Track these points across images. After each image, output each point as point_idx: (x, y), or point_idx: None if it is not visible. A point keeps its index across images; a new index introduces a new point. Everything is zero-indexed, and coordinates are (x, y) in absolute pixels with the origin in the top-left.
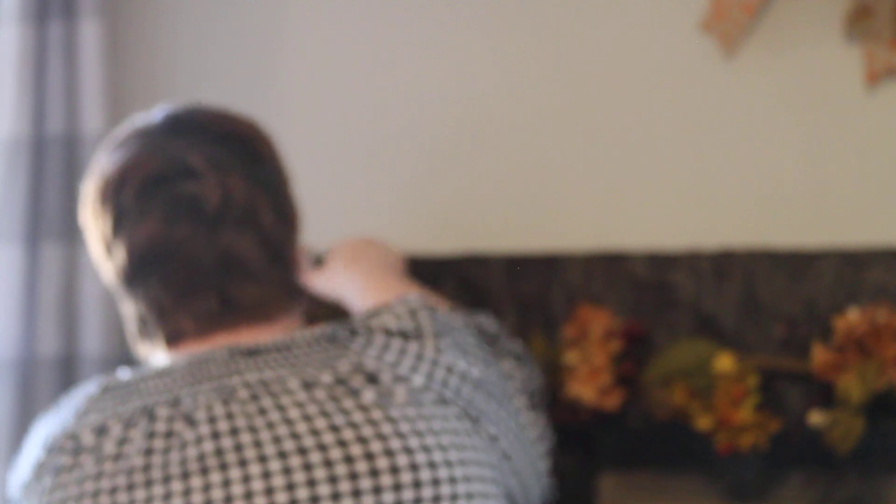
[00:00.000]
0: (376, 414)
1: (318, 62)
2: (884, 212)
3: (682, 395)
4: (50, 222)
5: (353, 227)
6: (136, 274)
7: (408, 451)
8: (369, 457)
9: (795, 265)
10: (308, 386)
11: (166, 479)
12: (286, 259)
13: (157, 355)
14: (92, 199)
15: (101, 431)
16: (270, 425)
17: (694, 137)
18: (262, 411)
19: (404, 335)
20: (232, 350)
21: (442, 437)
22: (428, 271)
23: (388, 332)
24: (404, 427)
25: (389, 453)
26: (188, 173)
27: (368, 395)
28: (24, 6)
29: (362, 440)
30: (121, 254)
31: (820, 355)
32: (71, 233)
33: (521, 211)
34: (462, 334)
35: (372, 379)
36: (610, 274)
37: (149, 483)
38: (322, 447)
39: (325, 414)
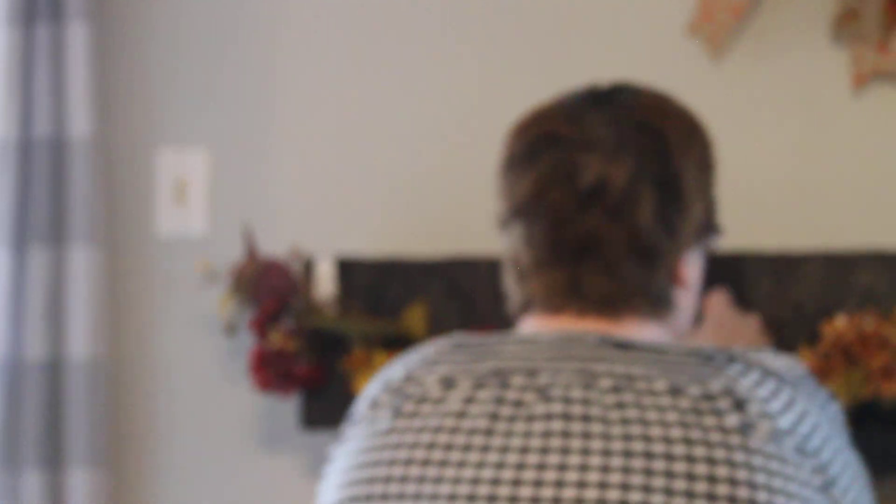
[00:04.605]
0: (735, 439)
1: (312, 63)
2: (871, 214)
3: None
4: (37, 225)
5: (344, 229)
6: (509, 222)
7: (752, 485)
8: (711, 480)
9: (782, 268)
10: (675, 392)
11: (504, 449)
12: (660, 265)
13: (522, 324)
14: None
15: (448, 384)
16: (625, 421)
17: None
18: (621, 405)
19: (781, 378)
20: (603, 339)
21: (790, 485)
22: (415, 274)
23: (766, 371)
24: (757, 461)
25: (733, 482)
26: (582, 144)
27: (732, 420)
28: (11, 8)
29: (711, 461)
30: (501, 197)
31: (806, 361)
32: (58, 235)
33: None
34: (833, 416)
35: (740, 405)
36: None
37: (485, 448)
38: (669, 457)
39: (683, 425)
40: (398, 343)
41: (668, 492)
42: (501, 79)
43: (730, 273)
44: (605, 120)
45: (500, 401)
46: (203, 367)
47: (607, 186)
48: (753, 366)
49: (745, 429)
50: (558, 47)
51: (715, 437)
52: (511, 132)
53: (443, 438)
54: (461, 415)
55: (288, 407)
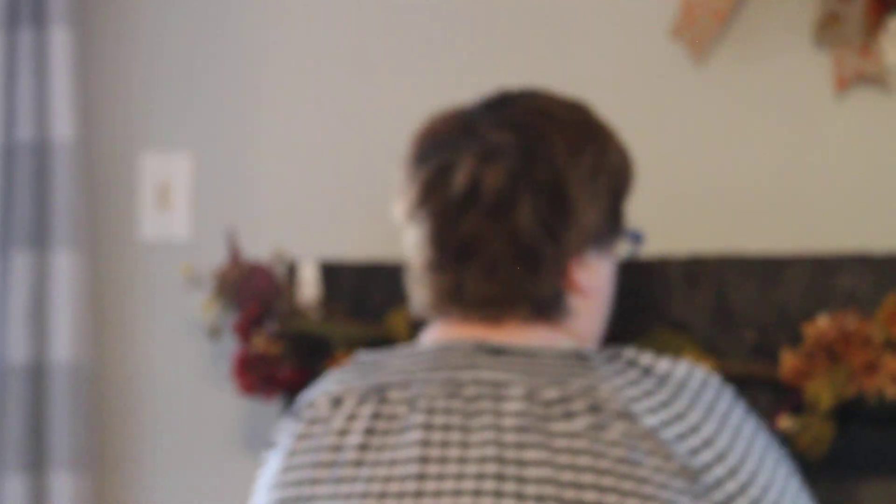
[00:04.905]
0: (580, 444)
1: (295, 66)
2: (854, 217)
3: None
4: (20, 229)
5: (327, 232)
6: (405, 225)
7: (599, 489)
8: (558, 484)
9: (766, 271)
10: (530, 397)
11: (375, 463)
12: (544, 269)
13: (425, 333)
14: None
15: (336, 403)
16: (482, 428)
17: (664, 144)
18: (479, 413)
19: (663, 379)
20: (478, 345)
21: (644, 487)
22: (399, 278)
23: (647, 371)
24: (604, 464)
25: (578, 486)
26: (463, 147)
27: (582, 422)
28: None
29: (556, 466)
30: (400, 200)
31: (789, 361)
32: (41, 240)
33: None
34: (734, 424)
35: (593, 407)
36: None
37: (359, 463)
38: (520, 463)
39: (533, 430)
40: (381, 346)
41: (520, 496)
42: (485, 83)
43: (714, 276)
44: (494, 124)
45: (376, 415)
46: (186, 371)
47: (481, 188)
48: (635, 366)
49: (595, 431)
50: (542, 52)
51: (561, 442)
52: (413, 135)
53: (327, 457)
54: (343, 432)
55: (271, 410)
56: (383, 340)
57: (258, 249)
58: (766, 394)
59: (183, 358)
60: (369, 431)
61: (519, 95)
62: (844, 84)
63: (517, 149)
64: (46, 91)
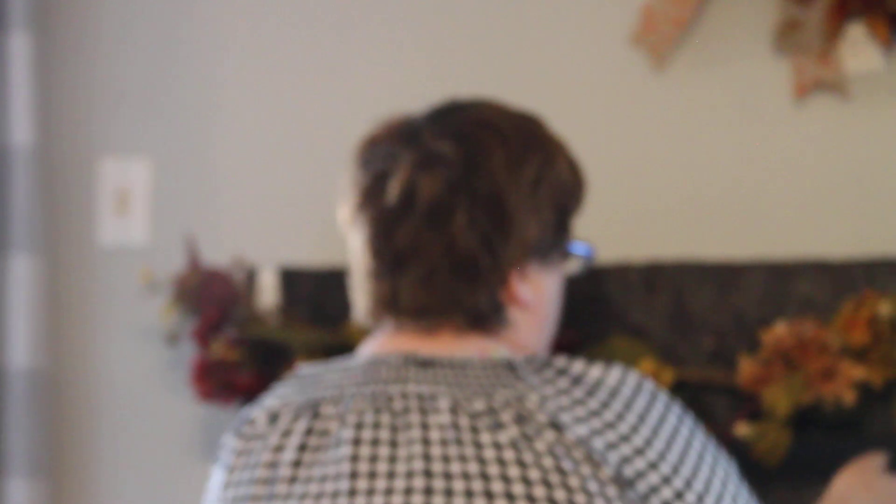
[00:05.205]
0: (508, 454)
1: (254, 73)
2: (811, 224)
3: None
4: None
5: (286, 239)
6: (348, 233)
7: (531, 499)
8: (489, 495)
9: (724, 277)
10: (455, 410)
11: (307, 479)
12: (481, 280)
13: (364, 345)
14: None
15: (273, 418)
16: (410, 442)
17: (623, 150)
18: (408, 426)
19: (594, 388)
20: (407, 357)
21: (576, 496)
22: None
23: (578, 380)
24: (534, 474)
25: (510, 497)
26: (402, 156)
27: (509, 433)
28: None
29: (486, 477)
30: (342, 207)
31: (746, 368)
32: None
33: None
34: (669, 430)
35: (521, 418)
36: None
37: (293, 480)
38: (447, 475)
39: (458, 442)
40: (340, 353)
41: None
42: (446, 90)
43: (672, 282)
44: (436, 133)
45: (309, 431)
46: (144, 377)
47: (417, 197)
48: (566, 374)
49: (523, 442)
50: (502, 58)
51: (489, 453)
52: (358, 141)
53: (264, 474)
54: (278, 448)
55: (229, 417)
56: (342, 347)
57: (217, 255)
58: (723, 400)
59: (141, 363)
60: (302, 447)
61: (466, 106)
62: (803, 91)
63: (457, 159)
64: (6, 96)
